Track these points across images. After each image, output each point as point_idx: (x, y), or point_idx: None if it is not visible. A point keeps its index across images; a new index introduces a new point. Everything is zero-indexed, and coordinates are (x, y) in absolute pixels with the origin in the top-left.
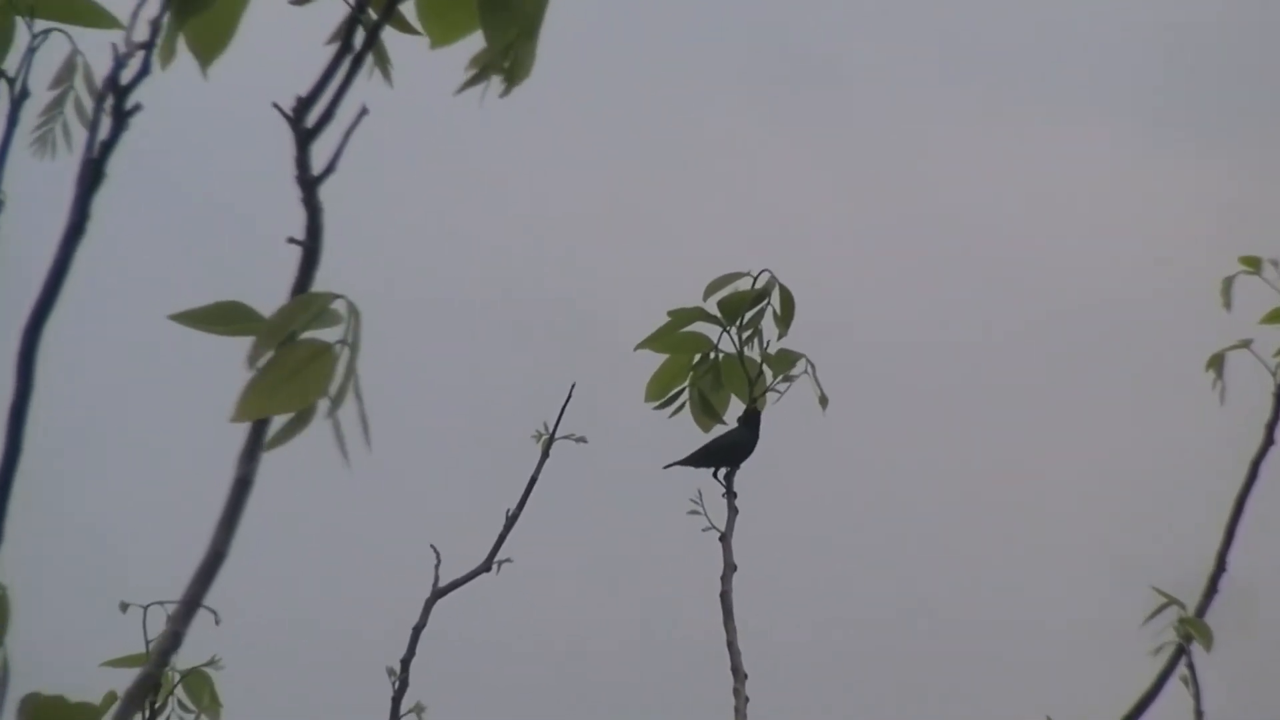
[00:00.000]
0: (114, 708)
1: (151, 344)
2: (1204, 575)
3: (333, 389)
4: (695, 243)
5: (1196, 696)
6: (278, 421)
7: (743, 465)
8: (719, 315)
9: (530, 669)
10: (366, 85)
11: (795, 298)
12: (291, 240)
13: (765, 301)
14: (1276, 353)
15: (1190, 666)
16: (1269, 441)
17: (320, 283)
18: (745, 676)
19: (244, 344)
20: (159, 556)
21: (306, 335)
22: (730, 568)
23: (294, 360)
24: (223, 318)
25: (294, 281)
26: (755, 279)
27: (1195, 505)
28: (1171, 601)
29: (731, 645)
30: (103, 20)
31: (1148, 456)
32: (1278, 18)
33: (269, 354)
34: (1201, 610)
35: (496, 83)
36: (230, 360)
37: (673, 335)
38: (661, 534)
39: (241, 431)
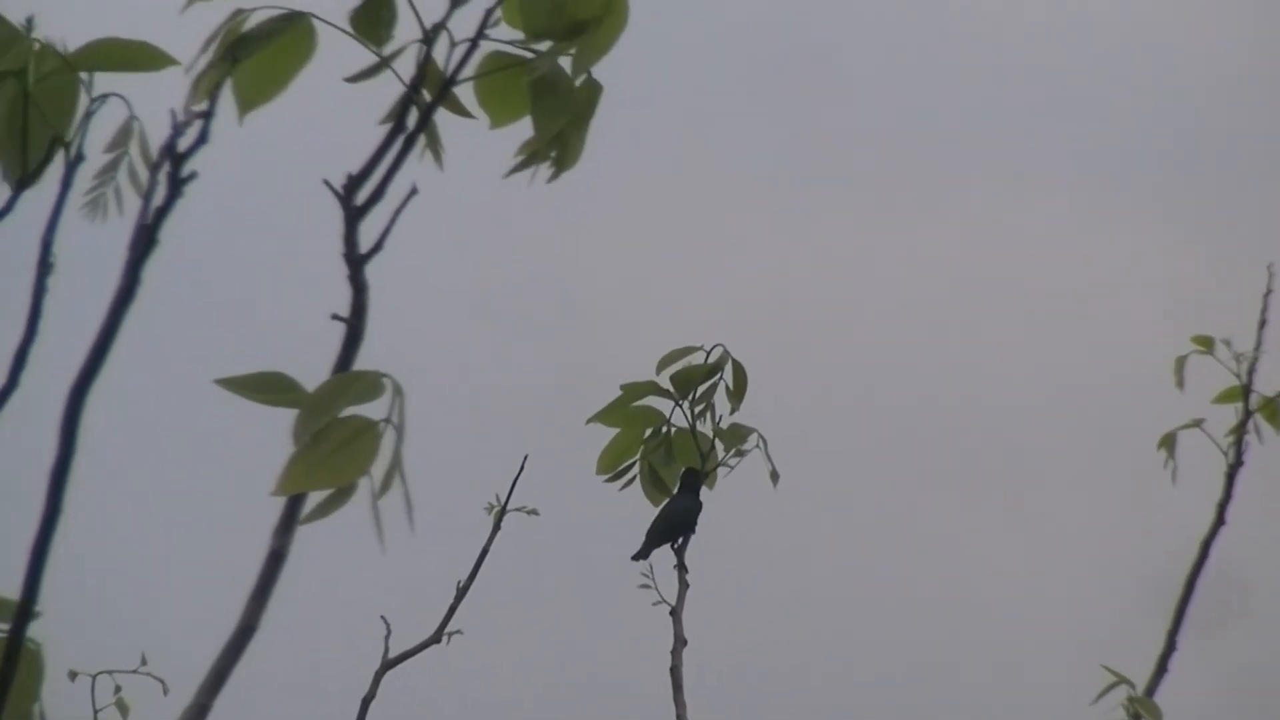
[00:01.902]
0: None
1: (187, 420)
2: (1155, 652)
3: (377, 470)
4: (672, 310)
5: None
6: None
7: (694, 540)
8: (671, 389)
9: None
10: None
11: (760, 363)
12: (336, 317)
13: (718, 376)
14: (1229, 432)
15: None
16: (1220, 522)
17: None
18: None
19: (277, 415)
20: (181, 624)
21: (349, 412)
22: (680, 642)
23: (338, 436)
24: (266, 387)
25: (337, 358)
26: (708, 353)
27: (1146, 584)
28: (1121, 680)
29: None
30: (160, 62)
31: (1101, 535)
32: (1236, 98)
33: (314, 429)
34: (1151, 689)
35: (544, 168)
36: (260, 431)
37: (625, 409)
38: (612, 607)
39: (259, 502)
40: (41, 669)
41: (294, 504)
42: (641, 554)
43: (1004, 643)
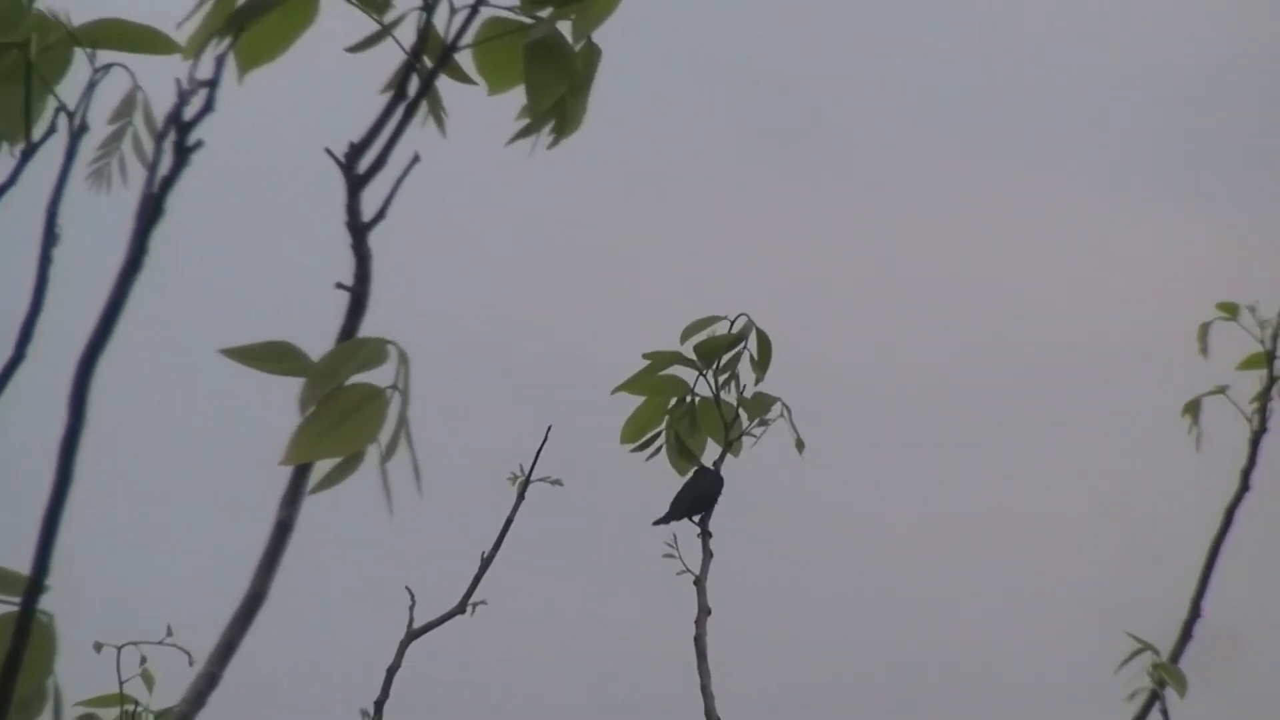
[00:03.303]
0: None
1: (195, 385)
2: (1180, 621)
3: (384, 435)
4: (682, 286)
5: None
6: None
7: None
8: (695, 359)
9: (504, 711)
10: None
11: (777, 341)
12: (340, 286)
13: (742, 345)
14: (1253, 399)
15: (1164, 712)
16: (1244, 488)
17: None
18: None
19: (286, 385)
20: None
21: (354, 380)
22: (704, 611)
23: (345, 404)
24: (272, 356)
25: (341, 327)
26: (732, 323)
27: (1172, 552)
28: (1145, 647)
29: (705, 689)
30: (163, 46)
31: (1126, 504)
32: (1251, 73)
33: (319, 397)
34: (1176, 656)
35: (545, 135)
36: (268, 403)
37: (650, 378)
38: (636, 577)
39: (271, 474)
40: (54, 642)
41: (300, 475)
42: (665, 519)
43: (1029, 621)
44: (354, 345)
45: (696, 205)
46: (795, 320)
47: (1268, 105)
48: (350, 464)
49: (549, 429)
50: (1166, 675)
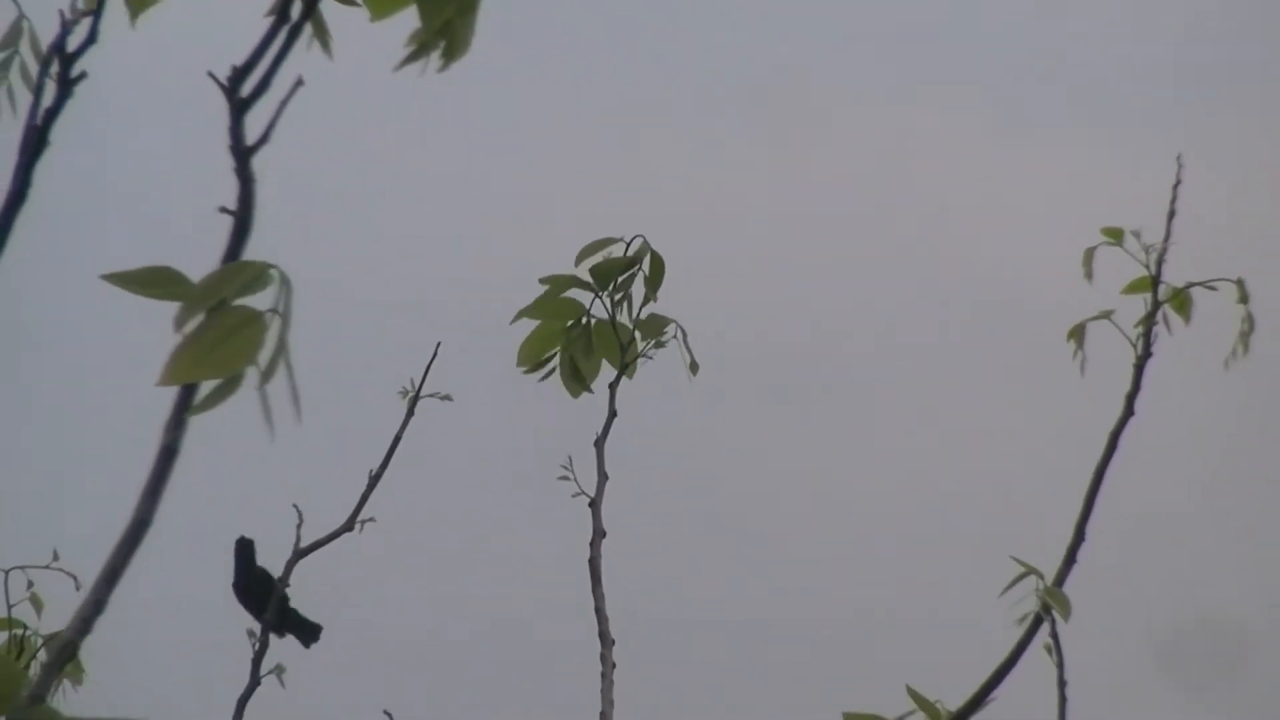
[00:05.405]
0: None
1: (83, 310)
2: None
3: (263, 358)
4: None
5: (1060, 665)
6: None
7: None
8: (591, 281)
9: (395, 631)
10: (306, 57)
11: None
12: (223, 210)
13: (637, 267)
14: (1137, 324)
15: (1054, 635)
16: (1129, 413)
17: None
18: (613, 642)
19: (173, 310)
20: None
21: (236, 303)
22: (599, 534)
23: (224, 326)
24: (153, 281)
25: (225, 252)
26: (628, 245)
27: (1058, 477)
28: (1030, 571)
29: (599, 611)
30: None
31: (1013, 430)
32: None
33: (197, 318)
34: (1060, 580)
35: (435, 60)
36: (158, 329)
37: (549, 303)
38: (530, 498)
39: (161, 396)
40: None
41: (183, 399)
42: None
43: (913, 550)
44: (235, 268)
45: (648, 151)
46: (698, 250)
47: (1161, 32)
48: (229, 386)
49: (438, 345)
50: (1051, 599)
